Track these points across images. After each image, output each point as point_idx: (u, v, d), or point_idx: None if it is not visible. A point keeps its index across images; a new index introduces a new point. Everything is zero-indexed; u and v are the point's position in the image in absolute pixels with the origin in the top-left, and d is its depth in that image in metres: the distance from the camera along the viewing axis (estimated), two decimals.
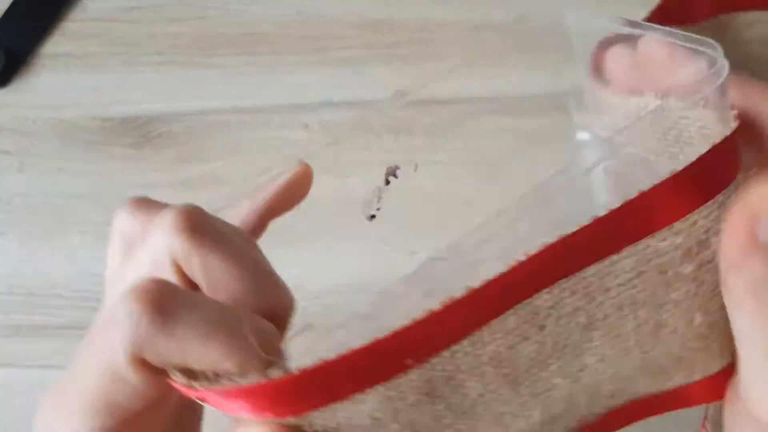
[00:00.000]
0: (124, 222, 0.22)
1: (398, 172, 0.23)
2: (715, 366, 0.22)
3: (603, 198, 0.18)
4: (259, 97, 0.46)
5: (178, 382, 0.17)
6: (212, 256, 0.19)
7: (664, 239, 0.18)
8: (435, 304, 0.16)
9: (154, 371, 0.18)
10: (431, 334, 0.17)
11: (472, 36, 0.46)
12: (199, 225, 0.19)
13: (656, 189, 0.17)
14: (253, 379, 0.16)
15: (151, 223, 0.20)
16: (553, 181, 0.17)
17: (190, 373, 0.18)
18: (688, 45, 0.19)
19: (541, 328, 0.18)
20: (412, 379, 0.17)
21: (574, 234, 0.17)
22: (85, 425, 0.19)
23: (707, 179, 0.18)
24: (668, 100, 0.18)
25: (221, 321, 0.17)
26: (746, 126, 0.19)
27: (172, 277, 0.19)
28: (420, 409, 0.17)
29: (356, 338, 0.16)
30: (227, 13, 0.47)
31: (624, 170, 0.19)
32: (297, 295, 0.22)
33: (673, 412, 0.43)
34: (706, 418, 0.37)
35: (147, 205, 0.22)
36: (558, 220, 0.17)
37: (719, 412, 0.37)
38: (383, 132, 0.45)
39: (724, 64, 0.18)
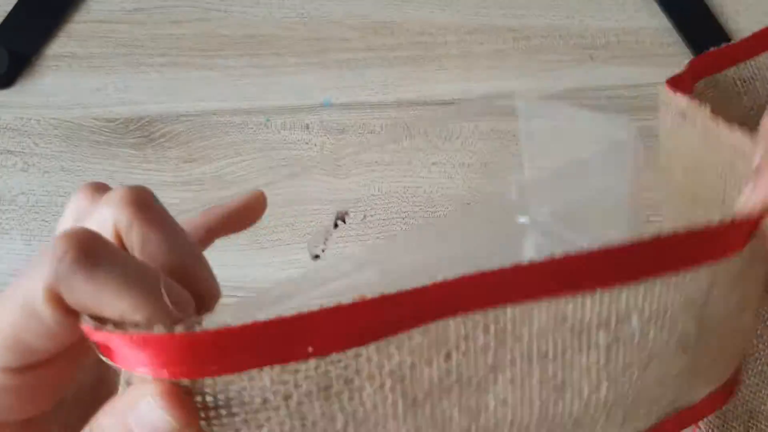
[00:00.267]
0: (79, 200, 0.23)
1: (346, 218, 0.24)
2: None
3: None
4: (260, 99, 0.46)
5: (87, 324, 0.18)
6: (151, 232, 0.20)
7: (584, 303, 0.18)
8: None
9: (67, 311, 0.18)
10: (337, 327, 0.17)
11: (471, 39, 0.46)
12: (145, 202, 0.20)
13: (589, 254, 0.17)
14: (156, 331, 0.16)
15: (102, 202, 0.20)
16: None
17: (100, 321, 0.18)
18: None
19: (448, 356, 0.18)
20: (309, 369, 0.17)
21: (499, 271, 0.17)
22: None
23: (643, 261, 0.18)
24: None
25: (139, 274, 0.18)
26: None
27: None
28: (313, 403, 0.17)
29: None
30: (230, 15, 0.48)
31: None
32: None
33: None
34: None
35: (103, 187, 0.23)
36: None
37: (714, 413, 0.37)
38: (383, 132, 0.45)
39: None
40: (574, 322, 0.19)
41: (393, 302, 0.17)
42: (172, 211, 0.22)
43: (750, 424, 0.31)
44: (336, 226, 0.23)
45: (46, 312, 0.18)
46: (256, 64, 0.47)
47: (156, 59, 0.47)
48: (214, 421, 0.17)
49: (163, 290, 0.18)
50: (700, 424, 0.37)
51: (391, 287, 0.17)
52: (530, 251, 0.22)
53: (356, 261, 0.20)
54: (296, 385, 0.17)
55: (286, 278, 0.19)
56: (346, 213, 0.23)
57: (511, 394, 0.19)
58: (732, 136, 0.22)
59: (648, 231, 0.18)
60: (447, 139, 0.45)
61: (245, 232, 0.44)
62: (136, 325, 0.17)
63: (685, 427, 0.24)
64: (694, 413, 0.24)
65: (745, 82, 0.29)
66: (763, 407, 0.30)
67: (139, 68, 0.47)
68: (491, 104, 0.45)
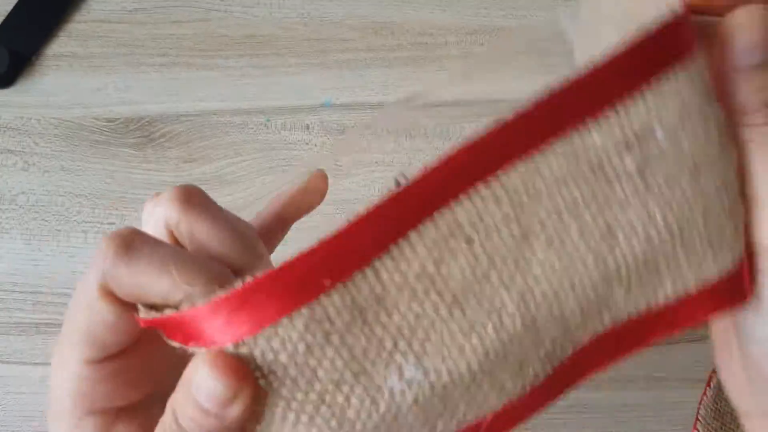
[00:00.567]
0: (144, 212, 0.24)
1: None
2: (709, 269, 0.19)
3: None
4: (261, 99, 0.46)
5: (140, 314, 0.19)
6: (197, 223, 0.21)
7: (590, 133, 0.17)
8: None
9: (122, 304, 0.20)
10: (342, 251, 0.16)
11: (472, 39, 0.46)
12: (189, 197, 0.22)
13: (585, 75, 0.16)
14: (192, 305, 0.17)
15: (156, 204, 0.22)
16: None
17: (154, 308, 0.19)
18: None
19: (469, 241, 0.17)
20: (335, 301, 0.17)
21: (487, 134, 0.16)
22: (75, 357, 0.20)
23: (644, 63, 0.16)
24: None
25: (174, 257, 0.19)
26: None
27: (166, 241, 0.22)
28: (353, 332, 0.17)
29: None
30: (230, 15, 0.48)
31: None
32: None
33: (666, 412, 0.44)
34: (698, 419, 0.37)
35: (159, 194, 0.24)
36: None
37: (711, 415, 0.37)
38: (383, 133, 0.45)
39: None
40: (589, 156, 0.17)
41: (389, 208, 0.16)
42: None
43: None
44: (398, 184, 0.23)
45: (104, 308, 0.19)
46: (257, 65, 0.47)
47: (156, 59, 0.47)
48: (271, 377, 0.17)
49: (200, 268, 0.19)
50: (698, 426, 0.37)
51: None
52: None
53: None
54: (330, 321, 0.17)
55: None
56: (405, 176, 0.22)
57: (556, 258, 0.18)
58: None
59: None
60: (447, 140, 0.45)
61: None
62: (176, 305, 0.18)
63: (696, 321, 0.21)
64: (705, 300, 0.20)
65: None
66: None
67: (140, 68, 0.47)
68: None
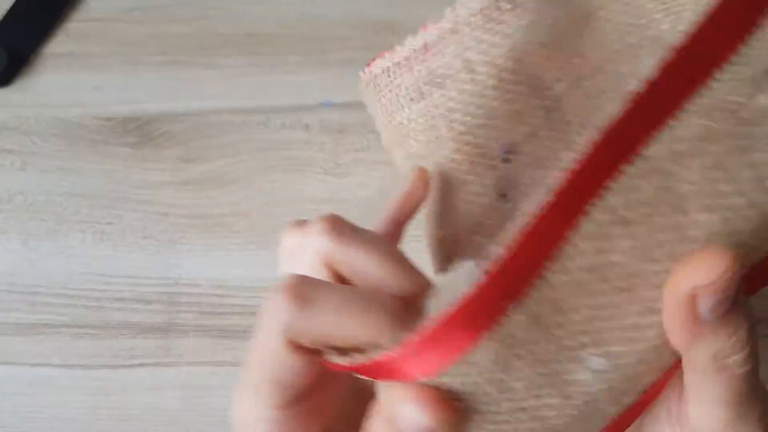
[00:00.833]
0: (286, 241, 0.26)
1: (512, 157, 0.24)
2: None
3: None
4: (260, 98, 0.46)
5: (329, 359, 0.20)
6: (351, 250, 0.22)
7: (721, 81, 0.17)
8: None
9: (307, 351, 0.21)
10: (515, 271, 0.17)
11: None
12: (338, 227, 0.23)
13: (705, 21, 0.16)
14: (379, 350, 0.18)
15: (304, 236, 0.23)
16: None
17: (340, 351, 0.20)
18: None
19: (626, 223, 0.18)
20: (517, 319, 0.18)
21: (622, 116, 0.16)
22: (265, 405, 0.22)
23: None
24: None
25: (352, 299, 0.20)
26: None
27: (325, 276, 0.23)
28: (536, 341, 0.18)
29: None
30: (229, 13, 0.47)
31: None
32: None
33: None
34: None
35: (301, 223, 0.26)
36: None
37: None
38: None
39: None
40: (723, 106, 0.17)
41: (544, 217, 0.17)
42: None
43: None
44: (505, 161, 0.23)
45: (289, 357, 0.21)
46: (256, 63, 0.46)
47: (155, 58, 0.47)
48: (467, 399, 0.18)
49: (378, 306, 0.20)
50: None
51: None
52: None
53: None
54: (515, 338, 0.18)
55: None
56: (512, 151, 0.22)
57: (711, 215, 0.18)
58: None
59: None
60: None
61: (245, 231, 0.43)
62: (368, 345, 0.19)
63: None
64: None
65: None
66: None
67: (138, 67, 0.47)
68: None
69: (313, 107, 0.46)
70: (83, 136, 0.46)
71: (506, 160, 0.24)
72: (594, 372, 0.18)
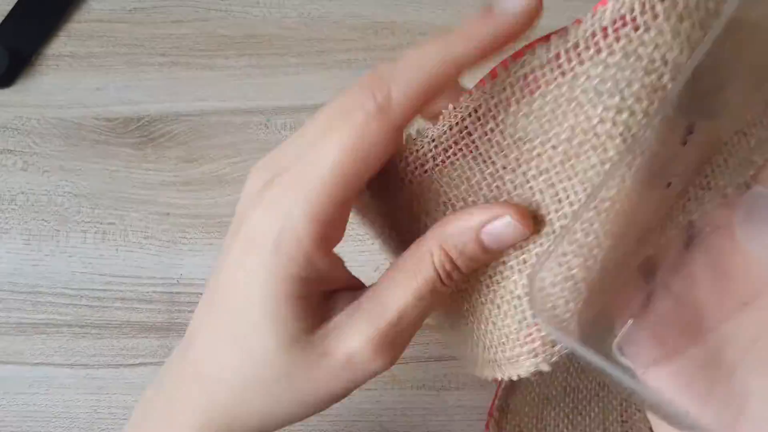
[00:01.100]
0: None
1: None
2: None
3: None
4: (261, 98, 0.46)
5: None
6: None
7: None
8: None
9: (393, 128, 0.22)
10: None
11: None
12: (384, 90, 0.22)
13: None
14: None
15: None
16: None
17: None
18: None
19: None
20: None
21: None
22: (331, 197, 0.21)
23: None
24: None
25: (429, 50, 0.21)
26: None
27: None
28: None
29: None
30: (230, 14, 0.47)
31: None
32: None
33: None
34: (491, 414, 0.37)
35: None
36: None
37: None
38: None
39: None
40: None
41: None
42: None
43: None
44: None
45: (385, 137, 0.22)
46: (257, 64, 0.47)
47: (156, 59, 0.47)
48: None
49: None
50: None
51: None
52: None
53: None
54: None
55: None
56: (692, 131, 0.23)
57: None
58: None
59: None
60: None
61: None
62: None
63: None
64: None
65: None
66: None
67: (139, 68, 0.47)
68: None
69: (314, 108, 0.46)
70: (85, 137, 0.46)
71: None
72: None
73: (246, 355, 0.23)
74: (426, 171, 0.23)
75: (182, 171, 0.45)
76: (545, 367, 0.23)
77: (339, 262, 0.24)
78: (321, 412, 0.24)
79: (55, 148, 0.46)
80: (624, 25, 0.19)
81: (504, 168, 0.22)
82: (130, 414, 0.27)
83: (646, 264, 0.25)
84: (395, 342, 0.23)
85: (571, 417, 0.36)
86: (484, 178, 0.23)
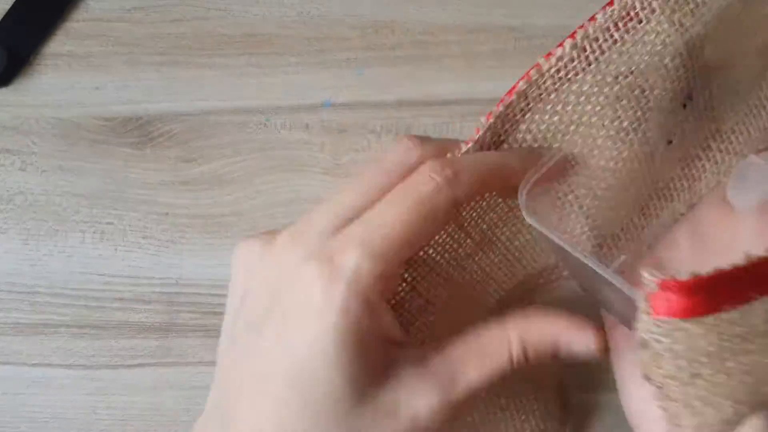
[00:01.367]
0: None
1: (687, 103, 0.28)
2: None
3: None
4: (260, 98, 0.46)
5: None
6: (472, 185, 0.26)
7: None
8: None
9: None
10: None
11: (472, 39, 0.46)
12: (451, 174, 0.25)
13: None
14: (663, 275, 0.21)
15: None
16: None
17: None
18: None
19: None
20: (755, 308, 0.21)
21: None
22: (399, 255, 0.24)
23: None
24: None
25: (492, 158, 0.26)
26: None
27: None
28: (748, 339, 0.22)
29: None
30: (229, 13, 0.47)
31: None
32: None
33: None
34: None
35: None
36: None
37: None
38: (383, 132, 0.45)
39: None
40: None
41: None
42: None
43: None
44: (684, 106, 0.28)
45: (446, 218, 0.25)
46: (256, 64, 0.47)
47: (155, 58, 0.47)
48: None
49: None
50: None
51: None
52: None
53: None
54: (738, 326, 0.21)
55: None
56: (690, 97, 0.28)
57: None
58: None
59: None
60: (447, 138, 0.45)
61: (245, 231, 0.43)
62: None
63: None
64: None
65: None
66: None
67: (138, 67, 0.47)
68: None
69: (313, 107, 0.46)
70: (83, 136, 0.46)
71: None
72: None
73: (314, 415, 0.23)
74: None
75: (181, 171, 0.45)
76: None
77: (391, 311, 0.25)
78: None
79: (53, 148, 0.46)
80: (630, 19, 0.24)
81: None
82: (128, 414, 0.27)
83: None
84: (458, 413, 0.24)
85: None
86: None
